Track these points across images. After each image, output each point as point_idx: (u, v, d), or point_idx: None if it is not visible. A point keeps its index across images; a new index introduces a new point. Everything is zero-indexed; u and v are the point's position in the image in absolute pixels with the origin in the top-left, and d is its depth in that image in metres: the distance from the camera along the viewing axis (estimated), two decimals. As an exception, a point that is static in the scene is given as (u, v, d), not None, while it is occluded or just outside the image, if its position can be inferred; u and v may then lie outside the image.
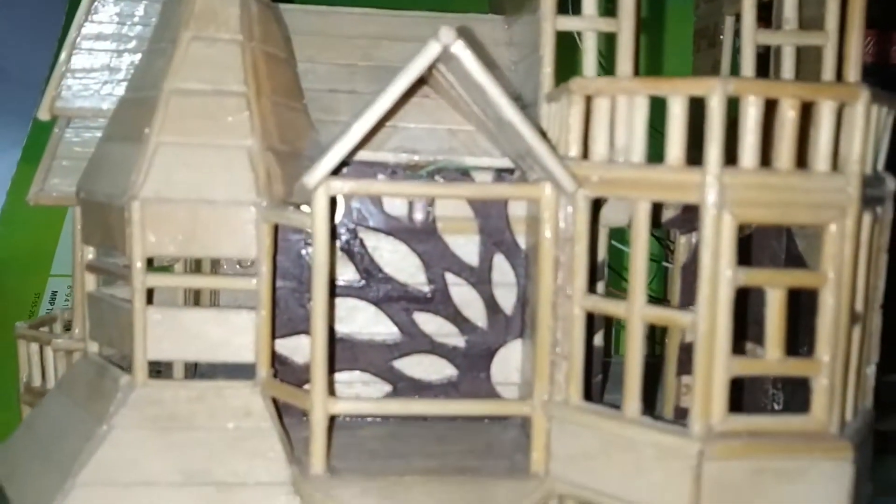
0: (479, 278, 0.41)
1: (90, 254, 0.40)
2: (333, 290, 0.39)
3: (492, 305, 0.41)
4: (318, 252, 0.34)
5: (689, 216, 0.41)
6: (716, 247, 0.30)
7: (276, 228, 0.36)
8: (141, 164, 0.36)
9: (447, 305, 0.41)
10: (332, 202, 0.34)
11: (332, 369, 0.36)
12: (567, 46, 0.39)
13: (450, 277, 0.41)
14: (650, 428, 0.32)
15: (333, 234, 0.35)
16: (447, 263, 0.41)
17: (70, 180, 0.45)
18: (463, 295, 0.41)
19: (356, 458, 0.36)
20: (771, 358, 0.31)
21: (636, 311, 0.32)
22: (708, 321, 0.30)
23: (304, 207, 0.35)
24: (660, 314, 0.32)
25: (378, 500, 0.33)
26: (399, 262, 0.41)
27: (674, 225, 0.43)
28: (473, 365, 0.42)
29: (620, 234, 0.43)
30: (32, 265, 0.75)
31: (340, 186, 0.33)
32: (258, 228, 0.36)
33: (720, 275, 0.30)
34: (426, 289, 0.41)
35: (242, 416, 0.36)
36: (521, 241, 0.41)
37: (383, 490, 0.34)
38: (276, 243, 0.36)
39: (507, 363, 0.42)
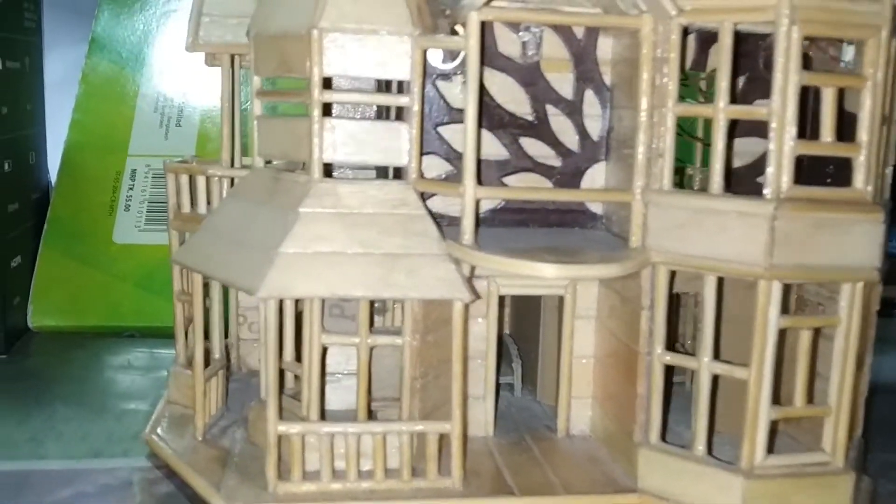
0: (573, 109, 0.50)
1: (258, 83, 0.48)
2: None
3: (582, 132, 0.51)
4: (471, 69, 0.42)
5: (742, 62, 0.51)
6: (787, 52, 0.40)
7: (424, 54, 0.45)
8: (318, 1, 0.44)
9: (547, 132, 0.50)
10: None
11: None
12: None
13: (549, 108, 0.50)
14: (732, 199, 0.42)
15: (483, 55, 0.43)
16: (548, 96, 0.50)
17: (216, 33, 0.53)
18: (559, 123, 0.51)
19: (489, 241, 0.46)
20: (824, 140, 0.41)
21: (721, 109, 0.42)
22: (780, 108, 0.40)
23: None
24: (743, 110, 0.42)
25: (511, 258, 0.42)
26: (508, 94, 0.50)
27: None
28: (566, 182, 0.51)
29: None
30: (110, 147, 0.82)
31: (492, 13, 0.42)
32: (413, 54, 0.44)
33: (790, 74, 0.40)
34: (530, 117, 0.50)
35: (400, 205, 0.45)
36: (607, 80, 0.50)
37: (516, 253, 0.43)
38: (425, 67, 0.45)
39: (594, 181, 0.51)
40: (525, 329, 0.61)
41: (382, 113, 0.55)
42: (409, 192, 0.45)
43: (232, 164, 0.54)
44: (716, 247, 0.42)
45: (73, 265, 0.78)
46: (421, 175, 0.46)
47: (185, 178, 0.55)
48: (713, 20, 0.42)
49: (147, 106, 0.84)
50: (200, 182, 0.54)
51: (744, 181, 0.50)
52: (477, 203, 0.44)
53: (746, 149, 0.51)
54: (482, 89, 0.49)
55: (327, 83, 0.44)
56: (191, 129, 0.84)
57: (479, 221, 0.44)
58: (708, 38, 0.51)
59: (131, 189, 0.81)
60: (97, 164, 0.82)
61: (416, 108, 0.45)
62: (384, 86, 0.53)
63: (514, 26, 0.49)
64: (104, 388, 0.63)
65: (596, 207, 0.52)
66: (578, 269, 0.42)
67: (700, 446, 0.44)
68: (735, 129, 0.43)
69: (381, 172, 0.56)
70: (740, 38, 0.49)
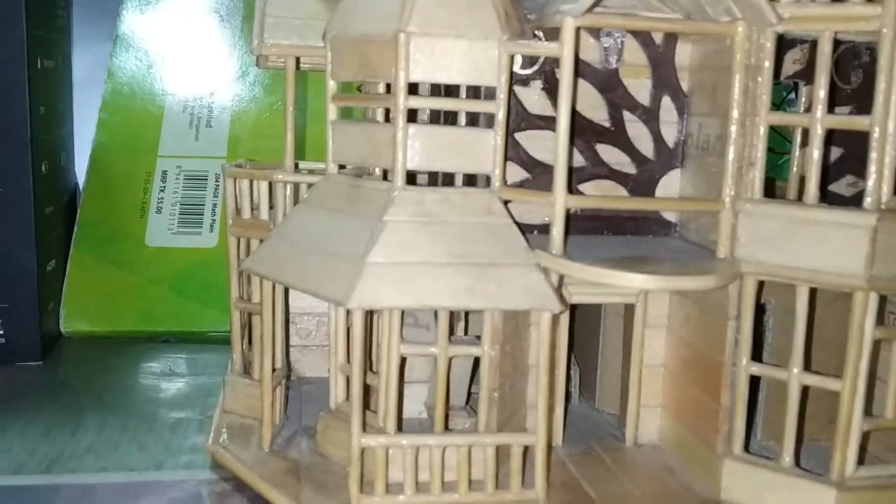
0: (650, 116, 0.50)
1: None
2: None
3: (658, 140, 0.50)
4: (565, 77, 0.42)
5: (814, 71, 0.50)
6: (892, 61, 0.39)
7: (511, 59, 0.44)
8: (404, 5, 0.43)
9: (623, 138, 0.50)
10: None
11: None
12: None
13: (626, 114, 0.50)
14: (830, 209, 0.41)
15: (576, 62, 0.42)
16: (625, 102, 0.49)
17: (281, 34, 0.51)
18: (636, 130, 0.50)
19: (570, 249, 0.45)
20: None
21: (819, 119, 0.41)
22: (882, 118, 0.40)
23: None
24: (841, 120, 0.42)
25: (604, 268, 0.42)
26: (586, 100, 0.49)
27: (798, 77, 0.52)
28: (641, 190, 0.50)
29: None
30: (139, 148, 0.80)
31: (588, 19, 0.41)
32: (499, 59, 0.43)
33: (894, 84, 0.40)
34: (607, 124, 0.49)
35: (485, 214, 0.44)
36: (685, 86, 0.50)
37: (609, 263, 0.42)
38: (511, 73, 0.44)
39: (668, 189, 0.51)
40: (581, 336, 0.60)
41: (440, 118, 0.54)
42: (495, 201, 0.44)
43: (296, 169, 0.52)
44: (812, 258, 0.42)
45: (106, 269, 0.76)
46: (504, 182, 0.45)
47: (245, 183, 0.54)
48: (813, 29, 0.41)
49: (176, 106, 0.82)
50: (263, 187, 0.53)
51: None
52: (568, 212, 0.43)
53: (817, 156, 0.50)
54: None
55: (412, 89, 0.43)
56: (222, 130, 0.82)
57: (568, 230, 0.43)
58: (783, 46, 0.50)
59: (162, 191, 0.79)
60: (126, 166, 0.80)
61: (502, 114, 0.44)
62: (441, 90, 0.52)
63: (595, 32, 0.48)
64: (150, 397, 0.62)
65: (669, 215, 0.51)
66: (676, 281, 0.41)
67: (787, 457, 0.44)
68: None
69: (432, 178, 0.55)
70: (813, 46, 0.49)
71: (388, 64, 0.43)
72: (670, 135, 0.50)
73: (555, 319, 0.44)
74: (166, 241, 0.77)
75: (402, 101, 0.43)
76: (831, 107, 0.48)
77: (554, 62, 0.48)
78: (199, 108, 0.82)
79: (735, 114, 0.43)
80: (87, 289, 0.75)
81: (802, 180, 0.52)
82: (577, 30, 0.42)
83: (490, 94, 0.45)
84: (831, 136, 0.43)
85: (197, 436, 0.55)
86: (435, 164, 0.44)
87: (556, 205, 0.43)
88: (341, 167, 0.48)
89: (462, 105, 0.45)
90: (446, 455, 0.44)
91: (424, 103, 0.44)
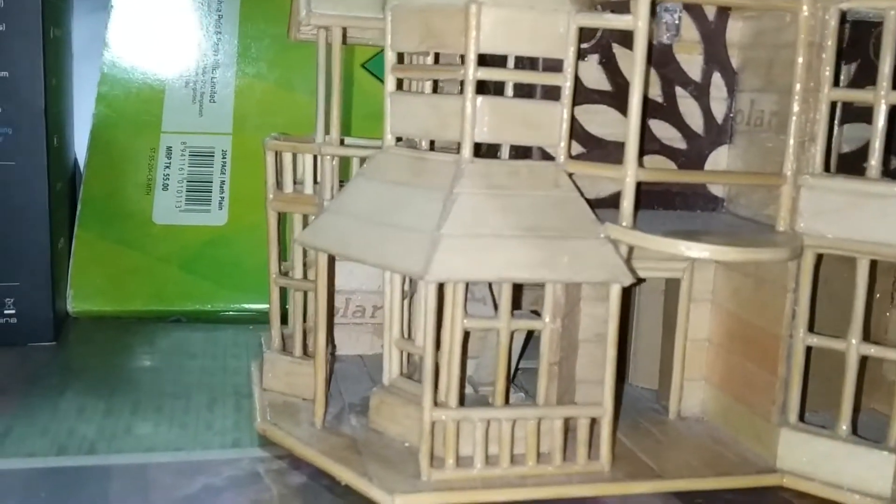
0: (700, 92, 0.50)
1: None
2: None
3: (708, 115, 0.51)
4: (638, 52, 0.42)
5: (853, 50, 0.51)
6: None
7: (579, 32, 0.44)
8: (475, -26, 0.42)
9: (674, 114, 0.50)
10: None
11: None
12: None
13: (678, 90, 0.50)
14: (894, 183, 0.42)
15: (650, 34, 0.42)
16: (678, 78, 0.50)
17: (327, 4, 0.50)
18: (686, 106, 0.50)
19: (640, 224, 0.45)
20: None
21: (883, 95, 0.42)
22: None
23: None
24: None
25: (678, 239, 0.42)
26: (640, 75, 0.49)
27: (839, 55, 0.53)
28: (691, 165, 0.51)
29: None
30: (142, 123, 0.78)
31: (663, -9, 0.42)
32: (568, 31, 0.43)
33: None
34: (659, 99, 0.50)
35: (553, 187, 0.44)
36: (734, 62, 0.50)
37: (674, 234, 0.43)
38: (579, 46, 0.44)
39: (717, 165, 0.51)
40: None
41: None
42: (561, 174, 0.44)
43: (341, 142, 0.52)
44: (875, 231, 0.43)
45: (113, 248, 0.74)
46: (569, 156, 0.45)
47: (288, 157, 0.52)
48: (878, 7, 0.42)
49: (177, 80, 0.80)
50: (307, 161, 0.52)
51: (853, 166, 0.51)
52: (638, 186, 0.43)
53: (854, 134, 0.51)
54: (618, 70, 0.49)
55: (482, 60, 0.43)
56: (226, 106, 0.80)
57: (638, 204, 0.44)
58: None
59: (168, 167, 0.77)
60: (129, 141, 0.77)
61: (569, 87, 0.44)
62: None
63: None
64: (176, 376, 0.60)
65: (717, 190, 0.52)
66: (751, 253, 0.42)
67: (844, 425, 0.45)
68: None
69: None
70: (854, 25, 0.50)
71: (456, 34, 0.43)
72: (719, 111, 0.51)
73: (625, 292, 0.44)
74: (174, 219, 0.75)
75: (472, 73, 0.42)
76: (872, 84, 0.49)
77: (611, 36, 0.48)
78: (201, 83, 0.80)
79: (798, 89, 0.44)
80: (93, 268, 0.73)
81: (841, 157, 0.53)
82: (652, 3, 0.42)
83: (549, 66, 0.45)
84: None
85: (235, 414, 0.54)
86: (503, 136, 0.44)
87: (628, 178, 0.43)
88: (398, 140, 0.48)
89: (530, 77, 0.44)
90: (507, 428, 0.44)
91: (495, 75, 0.44)
